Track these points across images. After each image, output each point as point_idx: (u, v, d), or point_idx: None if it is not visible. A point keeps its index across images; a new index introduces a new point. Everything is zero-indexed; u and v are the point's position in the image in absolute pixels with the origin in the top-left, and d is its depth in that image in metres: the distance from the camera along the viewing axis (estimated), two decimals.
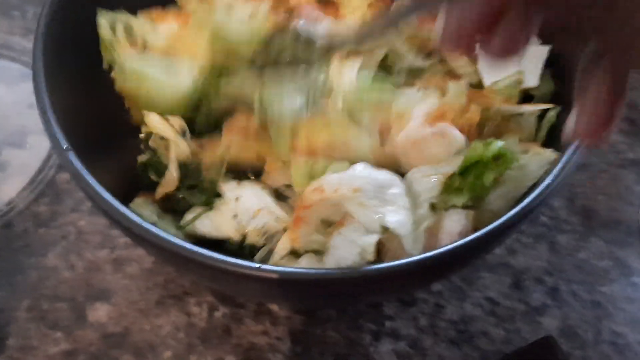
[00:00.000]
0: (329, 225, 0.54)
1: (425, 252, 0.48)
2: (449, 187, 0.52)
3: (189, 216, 0.56)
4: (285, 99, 0.54)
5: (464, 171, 0.51)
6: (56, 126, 0.49)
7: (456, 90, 0.56)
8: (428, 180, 0.53)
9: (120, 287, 0.64)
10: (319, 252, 0.54)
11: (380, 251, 0.52)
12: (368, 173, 0.52)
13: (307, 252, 0.54)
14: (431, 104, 0.55)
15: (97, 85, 0.57)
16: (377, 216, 0.50)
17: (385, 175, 0.52)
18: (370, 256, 0.50)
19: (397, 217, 0.49)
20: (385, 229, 0.50)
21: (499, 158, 0.51)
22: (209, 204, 0.56)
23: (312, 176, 0.54)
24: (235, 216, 0.55)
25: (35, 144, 0.72)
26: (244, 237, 0.55)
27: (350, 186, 0.50)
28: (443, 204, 0.52)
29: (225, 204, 0.55)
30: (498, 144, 0.50)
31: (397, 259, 0.51)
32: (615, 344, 0.61)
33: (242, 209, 0.54)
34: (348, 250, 0.51)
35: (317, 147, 0.54)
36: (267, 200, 0.55)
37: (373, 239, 0.50)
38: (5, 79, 0.77)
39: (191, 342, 0.61)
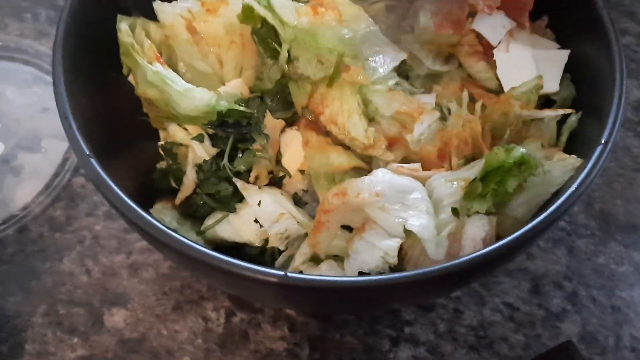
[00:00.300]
0: (350, 231, 0.53)
1: (447, 258, 0.48)
2: (471, 193, 0.51)
3: (209, 221, 0.56)
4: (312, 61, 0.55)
5: (484, 177, 0.51)
6: (78, 132, 0.48)
7: (456, 113, 0.56)
8: (450, 186, 0.52)
9: (137, 292, 0.64)
10: (339, 258, 0.54)
11: (402, 258, 0.52)
12: (389, 178, 0.51)
13: (327, 257, 0.54)
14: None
15: (115, 91, 0.57)
16: (399, 220, 0.50)
17: (406, 181, 0.52)
18: (393, 260, 0.50)
19: (419, 221, 0.49)
20: (407, 233, 0.49)
21: (522, 164, 0.50)
22: (229, 209, 0.56)
23: (332, 180, 0.53)
24: (256, 220, 0.54)
25: (49, 148, 0.71)
26: (265, 242, 0.55)
27: (372, 191, 0.50)
28: (466, 210, 0.51)
29: (245, 208, 0.55)
30: (520, 150, 0.50)
31: (419, 265, 0.51)
32: (636, 349, 0.60)
33: (264, 213, 0.54)
34: (370, 254, 0.50)
35: (321, 114, 0.55)
36: (288, 205, 0.55)
37: (396, 242, 0.50)
38: (18, 82, 0.76)
39: (209, 348, 0.61)
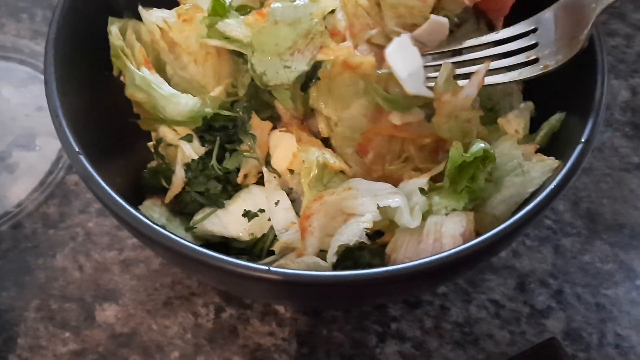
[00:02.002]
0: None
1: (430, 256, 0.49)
2: (442, 189, 0.52)
3: (198, 216, 0.57)
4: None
5: (455, 174, 0.52)
6: (68, 130, 0.49)
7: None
8: (416, 180, 0.54)
9: (128, 288, 0.64)
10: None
11: (386, 260, 0.53)
12: (360, 180, 0.54)
13: None
14: None
15: (106, 89, 0.58)
16: (373, 201, 0.51)
17: (375, 183, 0.54)
18: (368, 224, 0.50)
19: (392, 198, 0.51)
20: (382, 209, 0.51)
21: (485, 159, 0.51)
22: (218, 205, 0.57)
23: (321, 180, 0.54)
24: (244, 215, 0.55)
25: (44, 146, 0.72)
26: (254, 237, 0.55)
27: (345, 187, 0.53)
28: (444, 209, 0.52)
29: (234, 204, 0.56)
30: (480, 145, 0.51)
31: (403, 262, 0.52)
32: (620, 346, 0.61)
33: (279, 217, 0.54)
34: (349, 229, 0.51)
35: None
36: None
37: (370, 216, 0.51)
38: (14, 81, 0.77)
39: (198, 343, 0.62)
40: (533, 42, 0.54)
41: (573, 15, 0.52)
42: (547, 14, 0.54)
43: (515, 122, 0.56)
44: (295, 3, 0.54)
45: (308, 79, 0.57)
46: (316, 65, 0.56)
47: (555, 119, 0.56)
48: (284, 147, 0.57)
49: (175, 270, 0.65)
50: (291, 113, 0.58)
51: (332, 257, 0.50)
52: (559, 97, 0.57)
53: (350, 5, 0.58)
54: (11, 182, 0.70)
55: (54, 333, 0.62)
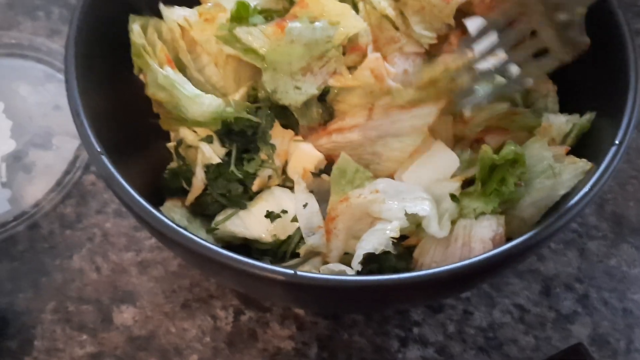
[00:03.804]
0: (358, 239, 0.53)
1: (459, 261, 0.47)
2: (473, 193, 0.51)
3: (220, 217, 0.56)
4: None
5: (486, 176, 0.51)
6: (89, 129, 0.48)
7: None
8: (447, 184, 0.53)
9: (146, 290, 0.64)
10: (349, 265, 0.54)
11: (413, 265, 0.52)
12: (388, 182, 0.53)
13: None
14: None
15: (126, 88, 0.57)
16: (400, 207, 0.50)
17: (404, 185, 0.53)
18: (395, 233, 0.49)
19: (420, 206, 0.50)
20: (410, 216, 0.50)
21: (515, 162, 0.50)
22: (240, 206, 0.56)
23: (351, 182, 0.53)
24: (267, 216, 0.54)
25: (60, 146, 0.72)
26: (277, 239, 0.54)
27: (372, 189, 0.51)
28: (472, 212, 0.51)
29: (257, 205, 0.55)
30: (511, 148, 0.50)
31: (430, 267, 0.51)
32: None
33: (307, 220, 0.53)
34: (375, 237, 0.50)
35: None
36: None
37: (397, 223, 0.50)
38: (31, 80, 0.77)
39: (217, 346, 0.61)
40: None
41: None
42: None
43: (556, 132, 0.54)
44: (314, 24, 0.53)
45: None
46: (325, 91, 0.56)
47: (586, 119, 0.54)
48: (298, 156, 0.56)
49: (194, 273, 0.64)
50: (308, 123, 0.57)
51: (357, 265, 0.49)
52: (589, 97, 0.55)
53: (375, 18, 0.57)
54: (28, 182, 0.69)
55: (71, 335, 0.61)
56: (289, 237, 0.54)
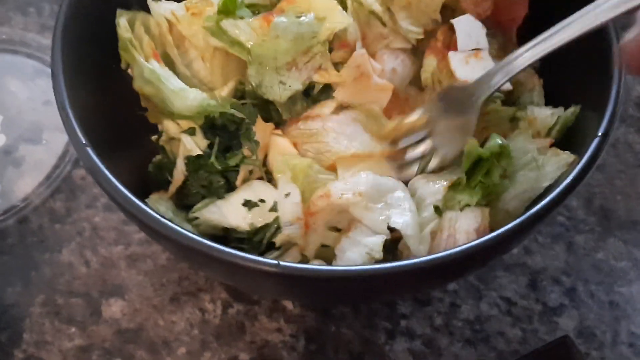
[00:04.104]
0: (336, 231, 0.53)
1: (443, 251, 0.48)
2: (457, 186, 0.52)
3: (198, 205, 0.56)
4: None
5: (470, 170, 0.51)
6: (75, 122, 0.49)
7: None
8: (432, 185, 0.53)
9: (135, 283, 0.64)
10: (327, 260, 0.54)
11: (398, 257, 0.52)
12: (372, 179, 0.52)
13: (315, 259, 0.54)
14: None
15: (114, 82, 0.57)
16: (383, 217, 0.51)
17: (389, 181, 0.53)
18: (379, 255, 0.50)
19: (403, 219, 0.50)
20: (391, 230, 0.50)
21: (500, 154, 0.50)
22: (219, 196, 0.56)
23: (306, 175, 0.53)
24: (244, 205, 0.54)
25: (50, 140, 0.72)
26: (254, 228, 0.54)
27: (355, 191, 0.51)
28: (457, 204, 0.51)
29: (235, 195, 0.55)
30: (497, 141, 0.50)
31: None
32: (634, 345, 0.60)
33: (286, 210, 0.53)
34: (356, 251, 0.51)
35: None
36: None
37: (381, 238, 0.50)
38: (21, 75, 0.77)
39: (205, 339, 0.61)
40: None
41: (459, 105, 0.53)
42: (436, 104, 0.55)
43: (540, 125, 0.55)
44: (300, 19, 0.54)
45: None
46: (310, 86, 0.56)
47: (571, 112, 0.54)
48: (278, 148, 0.57)
49: (182, 266, 0.64)
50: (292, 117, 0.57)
51: None
52: (573, 91, 0.56)
53: (363, 14, 0.57)
54: (17, 176, 0.70)
55: (60, 328, 0.62)
56: (266, 224, 0.53)
